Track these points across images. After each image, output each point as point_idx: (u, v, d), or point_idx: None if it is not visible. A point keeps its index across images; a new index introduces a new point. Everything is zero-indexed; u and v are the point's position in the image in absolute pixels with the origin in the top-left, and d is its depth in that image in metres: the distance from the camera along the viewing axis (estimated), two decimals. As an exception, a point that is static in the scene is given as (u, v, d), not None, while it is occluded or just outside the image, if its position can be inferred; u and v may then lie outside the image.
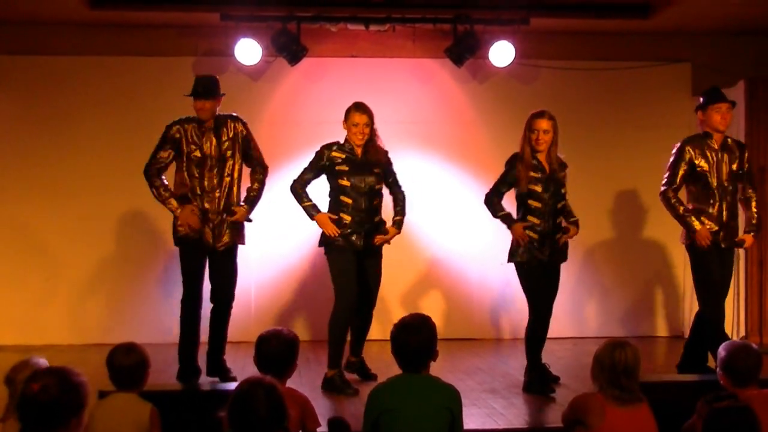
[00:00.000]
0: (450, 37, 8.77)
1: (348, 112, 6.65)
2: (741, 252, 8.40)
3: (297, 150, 8.98)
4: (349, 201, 6.52)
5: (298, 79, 9.12)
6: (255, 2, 8.46)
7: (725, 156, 6.54)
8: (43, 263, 8.89)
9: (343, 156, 6.57)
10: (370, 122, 6.60)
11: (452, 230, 9.20)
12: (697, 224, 6.44)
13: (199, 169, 6.52)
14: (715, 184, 6.49)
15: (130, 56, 9.01)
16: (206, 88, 6.55)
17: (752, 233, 6.62)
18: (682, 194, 6.70)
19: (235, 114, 6.78)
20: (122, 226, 8.92)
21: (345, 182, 6.53)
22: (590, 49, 9.36)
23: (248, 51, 8.61)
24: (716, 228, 6.48)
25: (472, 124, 9.30)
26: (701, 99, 6.64)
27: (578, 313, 9.29)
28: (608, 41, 9.36)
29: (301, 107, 9.14)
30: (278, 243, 9.01)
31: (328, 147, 6.65)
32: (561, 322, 9.03)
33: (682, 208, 6.54)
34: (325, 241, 6.60)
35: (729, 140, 6.66)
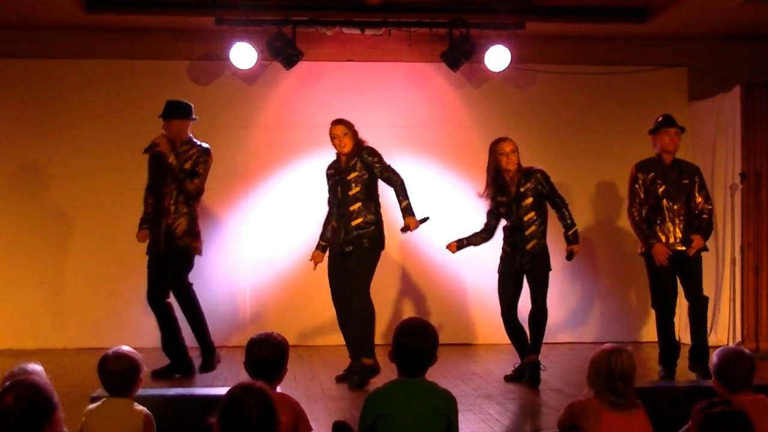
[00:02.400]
0: (446, 41, 8.76)
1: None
2: (737, 258, 8.46)
3: (292, 154, 9.00)
4: (333, 209, 7.06)
5: (293, 83, 9.11)
6: (250, 6, 8.45)
7: (675, 173, 7.00)
8: (36, 267, 8.85)
9: (332, 171, 7.08)
10: (348, 130, 6.98)
11: (447, 235, 9.15)
12: (653, 241, 6.89)
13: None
14: (665, 199, 6.95)
15: (126, 60, 9.00)
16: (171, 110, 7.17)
17: (700, 234, 6.94)
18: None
19: (207, 146, 7.21)
20: (117, 229, 8.87)
21: (330, 193, 7.09)
22: (586, 53, 9.36)
23: (243, 55, 8.59)
24: (671, 241, 6.90)
25: (467, 128, 9.29)
26: (654, 125, 7.14)
27: (573, 318, 9.29)
28: (605, 45, 9.36)
29: (297, 111, 9.13)
30: (273, 248, 8.99)
31: (329, 166, 7.14)
32: (556, 327, 9.03)
33: (644, 226, 6.99)
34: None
35: (680, 161, 7.14)
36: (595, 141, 9.34)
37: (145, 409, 3.86)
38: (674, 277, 6.93)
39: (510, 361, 7.27)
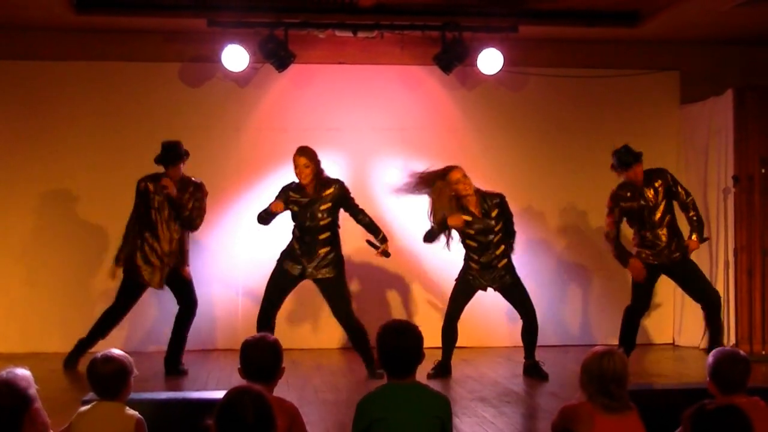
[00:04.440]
0: (438, 44, 8.74)
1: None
2: (731, 261, 8.47)
3: (284, 157, 8.90)
4: (298, 233, 7.32)
5: (285, 85, 9.08)
6: (242, 8, 8.42)
7: (650, 190, 7.38)
8: (28, 270, 8.79)
9: (297, 196, 7.28)
10: (310, 162, 7.20)
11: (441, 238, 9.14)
12: (630, 258, 7.40)
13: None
14: (646, 216, 7.36)
15: (116, 62, 8.94)
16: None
17: (695, 234, 7.41)
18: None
19: (200, 181, 7.58)
20: (109, 232, 8.82)
21: (294, 219, 7.33)
22: (579, 56, 9.36)
23: (235, 57, 8.56)
24: (656, 254, 7.38)
25: (460, 131, 9.27)
26: (617, 161, 7.41)
27: (566, 320, 9.27)
28: (597, 49, 9.36)
29: (289, 114, 9.10)
30: (265, 251, 8.93)
31: (287, 188, 7.37)
32: (549, 329, 9.02)
33: (616, 246, 7.45)
34: (283, 252, 7.47)
35: (648, 174, 7.43)
36: (587, 144, 9.33)
37: (136, 413, 3.82)
38: (653, 286, 7.57)
39: (505, 363, 7.27)
